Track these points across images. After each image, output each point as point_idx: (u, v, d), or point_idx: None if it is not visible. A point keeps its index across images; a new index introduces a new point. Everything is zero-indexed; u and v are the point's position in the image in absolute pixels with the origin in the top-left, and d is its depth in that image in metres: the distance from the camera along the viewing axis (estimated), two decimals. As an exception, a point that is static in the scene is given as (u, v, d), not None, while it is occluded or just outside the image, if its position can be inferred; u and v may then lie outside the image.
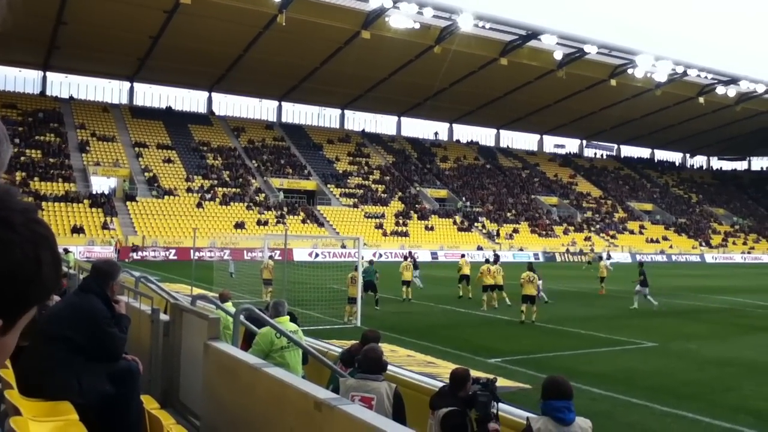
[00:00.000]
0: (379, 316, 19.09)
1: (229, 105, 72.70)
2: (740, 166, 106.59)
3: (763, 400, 10.76)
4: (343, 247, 41.66)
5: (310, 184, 63.52)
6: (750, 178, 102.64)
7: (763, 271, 52.05)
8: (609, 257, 50.09)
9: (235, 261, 31.54)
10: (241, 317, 6.52)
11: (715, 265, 63.61)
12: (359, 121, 79.92)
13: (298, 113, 76.16)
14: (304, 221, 55.52)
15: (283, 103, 74.20)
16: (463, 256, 27.07)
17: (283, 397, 4.21)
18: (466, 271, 25.12)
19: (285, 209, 56.54)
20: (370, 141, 76.13)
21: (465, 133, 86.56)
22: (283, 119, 74.57)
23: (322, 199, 61.47)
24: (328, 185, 63.63)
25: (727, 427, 9.20)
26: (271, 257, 23.89)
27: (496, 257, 25.50)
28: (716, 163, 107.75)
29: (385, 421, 3.47)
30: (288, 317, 7.03)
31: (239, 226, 51.03)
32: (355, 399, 4.69)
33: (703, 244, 74.75)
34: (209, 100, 70.99)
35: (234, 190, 56.85)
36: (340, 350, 7.41)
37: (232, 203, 54.55)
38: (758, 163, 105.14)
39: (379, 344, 5.82)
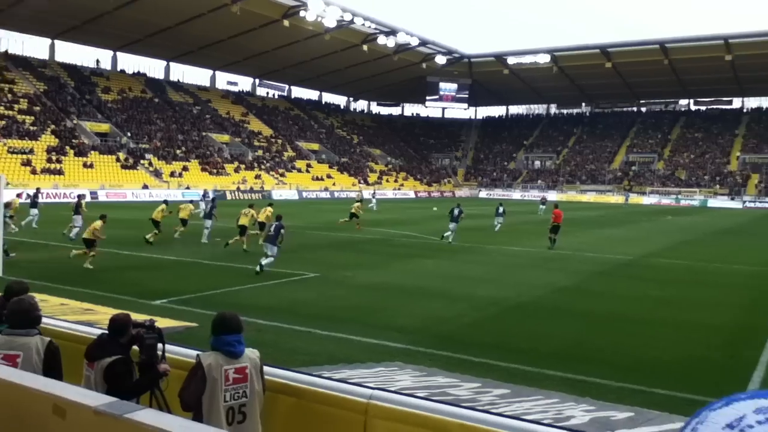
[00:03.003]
0: (25, 264, 17.09)
1: None
2: (395, 111, 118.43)
3: (405, 317, 12.27)
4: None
5: (-64, 112, 53.51)
6: (402, 123, 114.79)
7: (409, 205, 58.98)
8: (374, 196, 53.01)
9: None
10: None
11: (267, 202, 70.12)
12: (1, 40, 69.25)
13: None
14: (-71, 155, 46.84)
15: None
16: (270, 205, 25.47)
17: None
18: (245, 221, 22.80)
19: None
20: (15, 65, 66.37)
21: (131, 63, 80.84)
22: None
23: (-46, 130, 52.38)
24: (-38, 114, 54.36)
25: (375, 342, 10.30)
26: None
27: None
28: (375, 108, 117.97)
29: (26, 375, 3.11)
30: None
31: None
32: (-3, 358, 4.15)
33: (362, 181, 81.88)
34: None
35: None
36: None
37: None
38: (409, 110, 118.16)
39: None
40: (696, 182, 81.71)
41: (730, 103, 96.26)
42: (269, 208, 24.20)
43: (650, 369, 9.34)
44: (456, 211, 26.11)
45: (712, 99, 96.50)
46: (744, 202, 74.05)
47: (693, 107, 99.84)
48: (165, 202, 25.48)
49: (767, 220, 48.37)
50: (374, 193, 58.17)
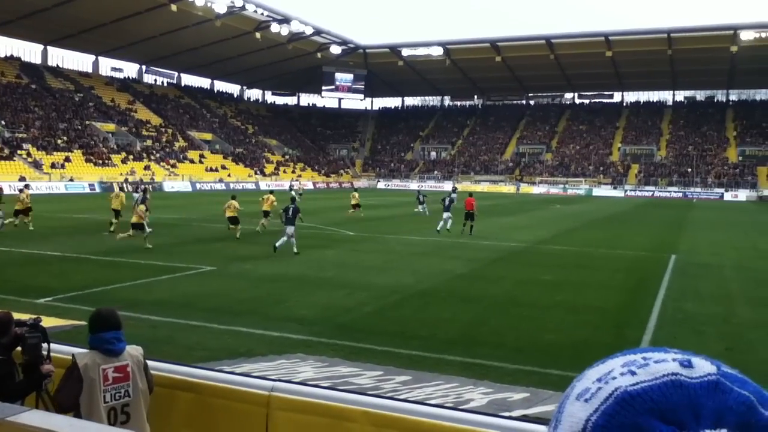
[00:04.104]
0: None
1: None
2: (291, 101, 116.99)
3: (305, 308, 12.13)
4: None
5: None
6: (299, 113, 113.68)
7: (309, 196, 58.53)
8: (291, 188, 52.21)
9: None
10: None
11: (267, 191, 69.32)
12: None
13: None
14: None
15: None
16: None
17: None
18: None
19: None
20: None
21: (3, 45, 75.80)
22: None
23: None
24: None
25: (276, 335, 10.13)
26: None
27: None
28: (270, 97, 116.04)
29: None
30: None
31: None
32: None
33: (258, 172, 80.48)
34: None
35: None
36: None
37: None
38: (306, 99, 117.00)
39: None
40: (582, 172, 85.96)
41: (611, 97, 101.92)
42: (271, 196, 26.35)
43: (544, 351, 9.70)
44: (447, 201, 26.54)
45: (595, 93, 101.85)
46: (626, 190, 78.80)
47: (577, 101, 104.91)
48: (121, 189, 25.91)
49: (647, 207, 51.60)
50: (291, 184, 58.38)
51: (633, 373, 0.67)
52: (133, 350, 4.11)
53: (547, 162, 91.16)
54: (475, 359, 9.08)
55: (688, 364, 0.67)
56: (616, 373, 0.68)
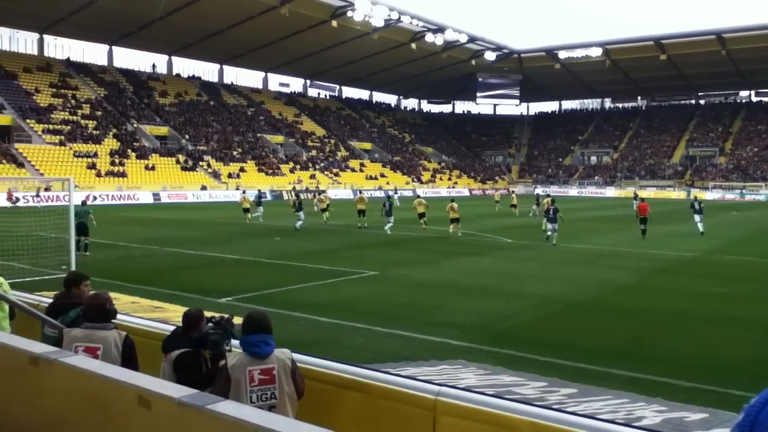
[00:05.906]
0: (92, 263, 17.48)
1: None
2: (446, 109, 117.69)
3: (464, 315, 12.17)
4: (47, 189, 37.56)
5: (4, 119, 55.64)
6: (453, 120, 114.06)
7: (464, 202, 58.47)
8: (396, 192, 55.11)
9: None
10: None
11: (426, 198, 70.05)
12: (62, 48, 71.36)
13: (-16, 36, 65.67)
14: (-2, 161, 48.83)
15: (-36, 23, 63.23)
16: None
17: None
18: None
19: (-26, 147, 49.02)
20: (76, 71, 68.74)
21: (186, 66, 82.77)
22: (-35, 41, 63.76)
23: (21, 137, 54.34)
24: (28, 120, 56.37)
25: (437, 340, 10.25)
26: None
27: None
28: (426, 106, 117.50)
29: (110, 368, 3.20)
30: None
31: None
32: (78, 350, 4.31)
33: (415, 179, 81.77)
34: None
35: None
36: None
37: None
38: (460, 107, 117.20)
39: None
40: (761, 176, 78.60)
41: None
42: (515, 195, 30.63)
43: (720, 369, 9.04)
44: (551, 211, 25.44)
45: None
46: (816, 196, 70.83)
47: (754, 99, 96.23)
48: (359, 191, 29.88)
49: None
50: (396, 189, 60.22)
51: None
52: (281, 354, 4.19)
53: (720, 165, 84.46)
54: (645, 374, 8.65)
55: None
56: None
